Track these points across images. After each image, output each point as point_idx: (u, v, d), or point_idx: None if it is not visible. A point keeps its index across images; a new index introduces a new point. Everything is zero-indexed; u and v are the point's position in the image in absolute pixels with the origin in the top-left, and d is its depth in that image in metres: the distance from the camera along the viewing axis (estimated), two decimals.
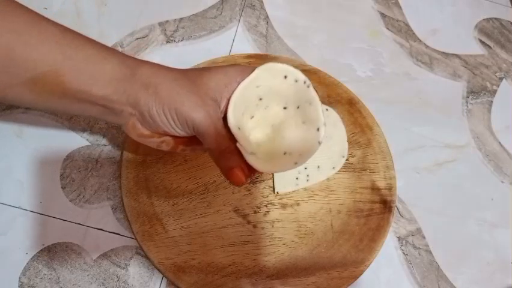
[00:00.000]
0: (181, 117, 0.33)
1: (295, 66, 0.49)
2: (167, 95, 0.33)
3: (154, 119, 0.34)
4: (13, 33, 0.32)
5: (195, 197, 0.42)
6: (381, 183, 0.44)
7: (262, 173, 0.33)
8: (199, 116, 0.33)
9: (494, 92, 0.54)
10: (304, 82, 0.34)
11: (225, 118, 0.34)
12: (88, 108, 0.35)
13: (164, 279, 0.40)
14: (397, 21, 0.58)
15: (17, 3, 0.33)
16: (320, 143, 0.33)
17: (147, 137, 0.36)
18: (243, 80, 0.34)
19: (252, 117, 0.35)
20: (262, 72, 0.34)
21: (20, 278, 0.39)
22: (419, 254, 0.43)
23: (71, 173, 0.43)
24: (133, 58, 0.35)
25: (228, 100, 0.34)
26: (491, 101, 0.53)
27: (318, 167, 0.44)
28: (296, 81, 0.34)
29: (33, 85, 0.33)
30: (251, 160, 0.31)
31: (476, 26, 0.59)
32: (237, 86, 0.34)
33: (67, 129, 0.45)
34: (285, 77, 0.34)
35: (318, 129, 0.33)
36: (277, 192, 0.43)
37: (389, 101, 0.51)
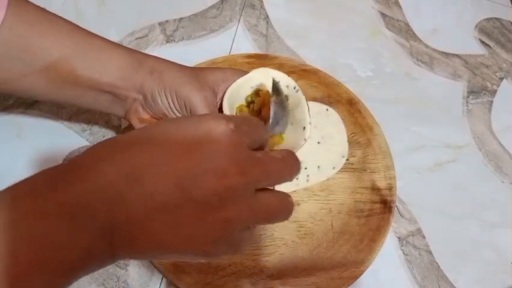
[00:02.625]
0: (180, 99, 0.35)
1: (295, 66, 0.50)
2: (170, 79, 0.36)
3: (155, 100, 0.36)
4: (26, 23, 0.34)
5: None
6: (381, 183, 0.44)
7: None
8: (197, 99, 0.35)
9: (495, 92, 0.54)
10: (294, 87, 0.36)
11: (219, 110, 0.36)
12: (97, 97, 0.37)
13: (164, 280, 0.40)
14: (397, 21, 0.58)
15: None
16: (305, 140, 0.34)
17: (146, 121, 0.38)
18: (239, 79, 0.37)
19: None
20: (257, 75, 0.36)
21: None
22: (419, 254, 0.43)
23: None
24: (138, 51, 0.38)
25: (224, 93, 0.36)
26: (492, 101, 0.53)
27: (319, 167, 0.44)
28: (287, 86, 0.36)
29: (47, 73, 0.35)
30: None
31: (476, 26, 0.59)
32: (233, 83, 0.36)
33: (66, 129, 0.45)
34: (278, 82, 0.36)
35: (304, 128, 0.34)
36: None
37: (389, 101, 0.51)
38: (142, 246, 0.23)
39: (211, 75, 0.37)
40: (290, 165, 0.26)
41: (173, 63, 0.38)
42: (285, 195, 0.27)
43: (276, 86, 0.34)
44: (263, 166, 0.25)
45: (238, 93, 0.36)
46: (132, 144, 0.24)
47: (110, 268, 0.39)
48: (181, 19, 0.54)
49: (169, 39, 0.52)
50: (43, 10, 0.36)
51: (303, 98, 0.35)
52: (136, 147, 0.23)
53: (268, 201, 0.26)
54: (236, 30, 0.54)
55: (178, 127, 0.24)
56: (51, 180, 0.22)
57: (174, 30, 0.53)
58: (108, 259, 0.23)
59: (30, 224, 0.20)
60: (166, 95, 0.36)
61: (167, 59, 0.38)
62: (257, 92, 0.36)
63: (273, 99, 0.33)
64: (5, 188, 0.21)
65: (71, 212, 0.21)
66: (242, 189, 0.23)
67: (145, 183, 0.22)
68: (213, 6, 0.55)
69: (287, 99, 0.35)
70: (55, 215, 0.21)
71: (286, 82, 0.36)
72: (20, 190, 0.21)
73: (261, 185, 0.25)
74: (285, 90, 0.36)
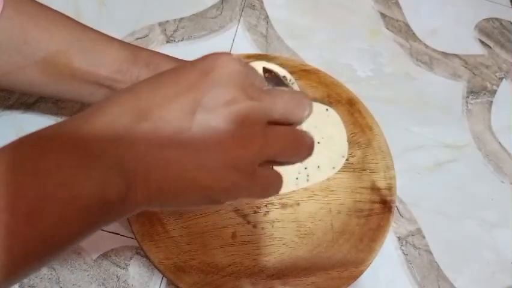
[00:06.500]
0: None
1: (295, 66, 0.50)
2: None
3: None
4: (25, 15, 0.35)
5: None
6: (381, 183, 0.44)
7: None
8: None
9: (494, 92, 0.54)
10: (290, 80, 0.35)
11: None
12: (95, 91, 0.37)
13: (164, 279, 0.40)
14: (397, 21, 0.58)
15: None
16: None
17: None
18: None
19: None
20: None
21: None
22: (419, 254, 0.43)
23: None
24: (132, 44, 0.38)
25: None
26: (491, 101, 0.53)
27: (318, 167, 0.44)
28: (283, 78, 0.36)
29: (45, 65, 0.35)
30: None
31: (476, 26, 0.59)
32: None
33: None
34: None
35: None
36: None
37: (389, 101, 0.51)
38: (157, 179, 0.22)
39: None
40: (299, 96, 0.26)
41: (168, 55, 0.38)
42: (303, 131, 0.26)
43: (274, 75, 0.34)
44: (272, 95, 0.25)
45: None
46: (138, 88, 0.24)
47: (111, 268, 0.40)
48: (181, 19, 0.54)
49: (169, 40, 0.52)
50: (40, 4, 0.36)
51: (298, 89, 0.36)
52: (142, 90, 0.23)
53: (283, 131, 0.25)
54: (236, 31, 0.54)
55: (181, 67, 0.25)
56: (63, 126, 0.22)
57: (174, 30, 0.53)
58: (124, 202, 0.22)
59: (41, 162, 0.20)
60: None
61: None
62: (265, 70, 0.36)
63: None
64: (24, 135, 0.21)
65: (80, 150, 0.21)
66: (253, 114, 0.23)
67: (154, 115, 0.22)
68: (213, 7, 0.56)
69: (285, 79, 0.35)
70: (64, 152, 0.20)
71: (281, 74, 0.36)
72: (36, 135, 0.21)
73: (273, 115, 0.25)
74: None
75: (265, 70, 0.33)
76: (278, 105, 0.25)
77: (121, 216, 0.23)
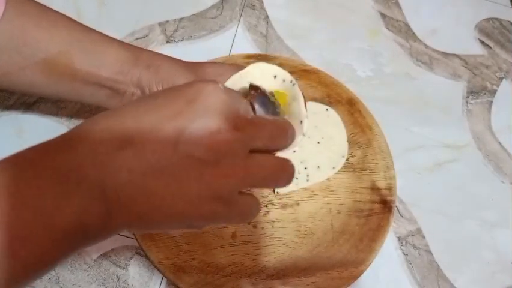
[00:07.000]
0: None
1: (295, 66, 0.50)
2: (167, 72, 0.36)
3: None
4: (26, 16, 0.35)
5: None
6: (381, 183, 0.44)
7: None
8: None
9: (494, 92, 0.54)
10: (291, 81, 0.35)
11: None
12: (95, 92, 0.37)
13: (164, 279, 0.40)
14: (397, 21, 0.58)
15: None
16: (303, 134, 0.34)
17: None
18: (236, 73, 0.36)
19: None
20: (254, 69, 0.36)
21: None
22: (419, 254, 0.43)
23: None
24: (133, 45, 0.38)
25: None
26: (491, 101, 0.53)
27: (318, 167, 0.44)
28: (284, 81, 0.35)
29: (45, 66, 0.35)
30: None
31: (476, 26, 0.59)
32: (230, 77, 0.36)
33: (66, 129, 0.45)
34: (275, 76, 0.36)
35: (301, 122, 0.34)
36: (277, 192, 0.43)
37: (389, 101, 0.51)
38: (138, 208, 0.23)
39: (207, 68, 0.37)
40: (282, 126, 0.27)
41: (169, 57, 0.38)
42: (285, 159, 0.27)
43: (254, 86, 0.34)
44: (255, 125, 0.26)
45: (234, 87, 0.37)
46: (123, 112, 0.24)
47: (111, 268, 0.40)
48: (181, 19, 0.54)
49: (169, 40, 0.52)
50: (41, 5, 0.36)
51: (299, 92, 0.35)
52: (128, 115, 0.24)
53: (265, 162, 0.26)
54: (236, 31, 0.54)
55: (168, 92, 0.25)
56: (46, 148, 0.22)
57: (174, 30, 0.53)
58: (105, 227, 0.23)
59: (23, 189, 0.20)
60: (163, 89, 0.36)
61: None
62: (251, 87, 0.36)
63: (249, 97, 0.33)
64: (9, 155, 0.22)
65: (62, 176, 0.21)
66: (236, 145, 0.24)
67: (137, 143, 0.22)
68: (213, 7, 0.56)
69: (272, 95, 0.35)
70: (46, 178, 0.21)
71: (282, 76, 0.36)
72: (19, 157, 0.22)
73: (255, 144, 0.25)
74: (281, 84, 0.36)
75: (252, 87, 0.33)
76: (261, 135, 0.26)
77: (101, 239, 0.24)
